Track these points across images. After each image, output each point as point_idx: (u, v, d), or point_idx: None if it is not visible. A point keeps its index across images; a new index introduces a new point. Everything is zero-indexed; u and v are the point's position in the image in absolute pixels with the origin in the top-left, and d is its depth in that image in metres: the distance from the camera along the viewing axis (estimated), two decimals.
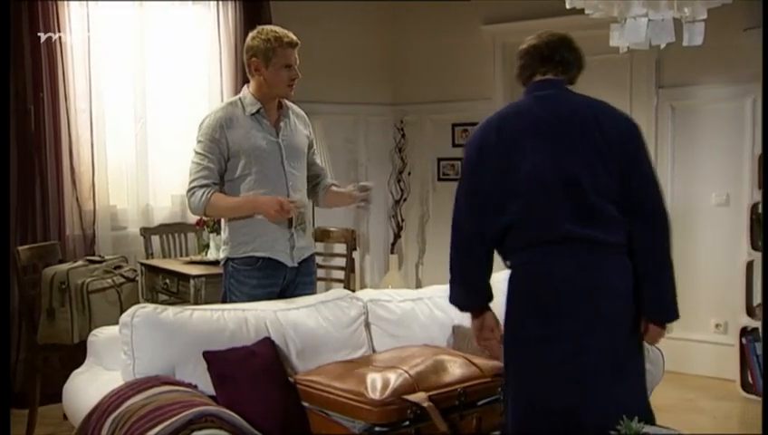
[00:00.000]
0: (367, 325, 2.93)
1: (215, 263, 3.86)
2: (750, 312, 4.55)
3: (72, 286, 3.67)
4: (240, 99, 3.11)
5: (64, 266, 3.77)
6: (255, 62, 3.03)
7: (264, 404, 2.36)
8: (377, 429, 2.31)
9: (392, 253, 6.07)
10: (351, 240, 4.93)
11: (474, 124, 5.76)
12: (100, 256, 4.06)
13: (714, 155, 4.85)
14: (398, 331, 2.95)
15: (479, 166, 2.42)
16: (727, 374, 4.59)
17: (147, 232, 4.77)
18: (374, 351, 2.90)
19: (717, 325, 4.88)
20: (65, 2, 4.41)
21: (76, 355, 3.98)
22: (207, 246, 4.33)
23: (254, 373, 2.39)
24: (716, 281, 4.86)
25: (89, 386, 2.51)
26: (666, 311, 2.42)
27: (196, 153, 3.03)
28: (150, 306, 2.52)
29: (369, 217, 6.07)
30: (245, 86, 3.15)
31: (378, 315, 2.95)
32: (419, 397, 2.35)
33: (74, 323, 3.67)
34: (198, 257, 4.33)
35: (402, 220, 6.07)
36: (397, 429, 2.32)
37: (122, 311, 3.87)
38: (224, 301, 2.99)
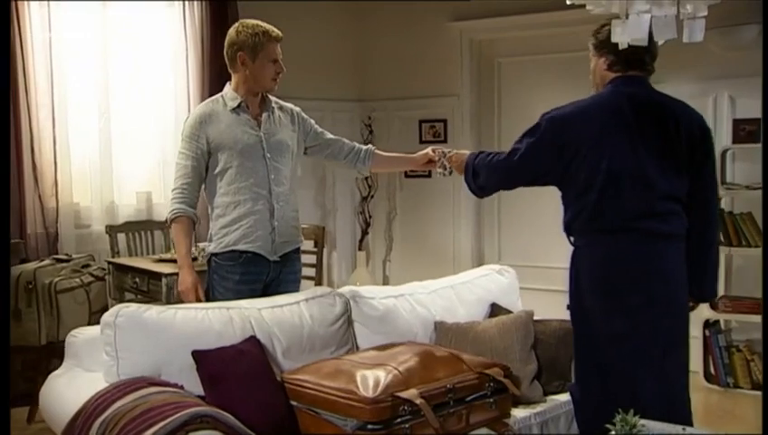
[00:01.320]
0: (350, 322, 2.91)
1: None
2: (712, 305, 4.66)
3: (39, 286, 3.57)
4: (222, 96, 3.09)
5: (30, 266, 3.66)
6: (242, 56, 3.01)
7: (254, 403, 2.32)
8: (369, 426, 2.29)
9: (360, 249, 6.05)
10: (321, 237, 4.89)
11: (441, 120, 5.85)
12: (66, 254, 3.95)
13: None
14: (382, 328, 2.94)
15: (555, 143, 2.58)
16: (691, 366, 4.68)
17: (112, 230, 4.66)
18: (357, 348, 2.88)
19: None
20: (25, 1, 4.28)
21: (42, 357, 3.89)
22: None
23: (243, 373, 2.35)
24: None
25: (68, 389, 2.43)
26: (709, 290, 2.77)
27: (179, 152, 3.05)
28: (133, 305, 2.46)
29: (336, 214, 6.05)
30: (228, 83, 3.12)
31: (361, 312, 2.93)
32: (411, 394, 2.34)
33: (42, 324, 3.56)
34: (169, 255, 4.23)
35: (370, 217, 6.06)
36: (389, 426, 2.30)
37: (91, 311, 3.83)
38: (208, 298, 2.93)
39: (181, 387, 2.31)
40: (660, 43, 2.54)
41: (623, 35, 2.14)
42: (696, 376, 4.61)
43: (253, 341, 2.54)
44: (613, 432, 1.99)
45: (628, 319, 2.50)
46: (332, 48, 5.98)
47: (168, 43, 4.98)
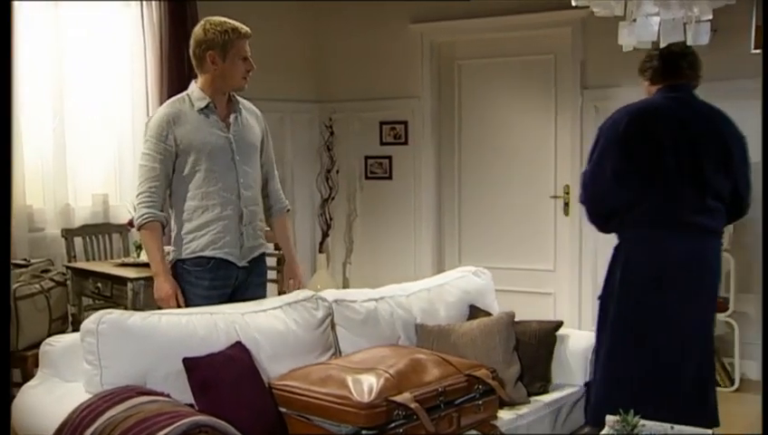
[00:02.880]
0: (332, 326, 2.87)
1: (148, 265, 3.67)
2: None
3: None
4: (188, 95, 2.98)
5: None
6: (212, 55, 2.91)
7: (245, 410, 2.27)
8: (364, 432, 2.26)
9: (320, 252, 5.99)
10: None
11: (402, 122, 5.85)
12: (24, 259, 3.78)
13: None
14: (364, 331, 2.91)
15: (619, 145, 2.84)
16: None
17: (69, 233, 4.49)
18: (340, 352, 2.85)
19: None
20: None
21: None
22: (141, 247, 4.11)
23: (234, 379, 2.29)
24: None
25: (46, 400, 2.32)
26: None
27: (143, 154, 2.90)
28: (116, 312, 2.36)
29: (295, 216, 5.97)
30: (193, 82, 3.03)
31: (343, 316, 2.89)
32: (406, 398, 2.32)
33: None
34: (131, 259, 4.11)
35: (331, 219, 6.01)
36: (384, 431, 2.28)
37: (51, 318, 3.67)
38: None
39: (167, 395, 2.23)
40: (662, 44, 2.60)
41: (629, 38, 2.17)
42: None
43: (239, 346, 2.48)
44: (613, 432, 2.01)
45: (678, 307, 2.76)
46: (292, 48, 5.92)
47: (125, 43, 4.84)
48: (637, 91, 4.96)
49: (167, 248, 3.38)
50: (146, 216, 2.84)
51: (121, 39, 4.83)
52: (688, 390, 2.70)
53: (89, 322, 2.30)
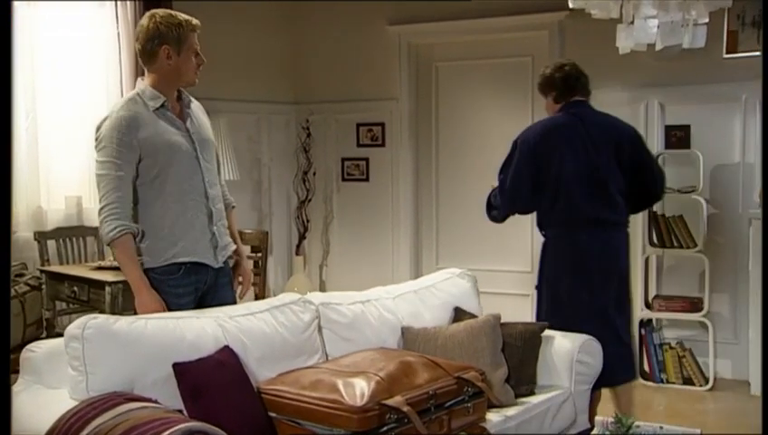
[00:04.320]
0: (319, 329, 2.84)
1: None
2: (648, 305, 4.85)
3: None
4: (138, 94, 2.78)
5: None
6: (167, 50, 2.75)
7: (236, 416, 2.23)
8: None
9: (297, 254, 5.95)
10: (265, 242, 4.78)
11: (379, 124, 5.84)
12: None
13: None
14: (351, 334, 2.89)
15: (532, 159, 3.36)
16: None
17: (42, 236, 4.40)
18: (327, 355, 2.82)
19: None
20: None
21: None
22: None
23: (224, 384, 2.25)
24: None
25: (29, 407, 2.25)
26: None
27: (102, 162, 2.69)
28: (101, 316, 2.30)
29: (272, 218, 5.93)
30: (140, 80, 2.89)
31: (329, 319, 2.87)
32: (398, 401, 2.30)
33: None
34: (108, 263, 4.03)
35: (307, 221, 5.97)
36: None
37: (26, 323, 3.59)
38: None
39: (155, 401, 2.18)
40: (657, 47, 2.63)
41: (627, 40, 2.18)
42: None
43: (227, 350, 2.44)
44: (606, 433, 2.02)
45: (599, 290, 3.33)
46: (269, 49, 5.87)
47: (99, 43, 4.77)
48: (614, 96, 5.07)
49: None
50: (119, 228, 2.64)
51: (96, 38, 4.77)
52: (612, 351, 3.24)
53: (73, 327, 2.24)
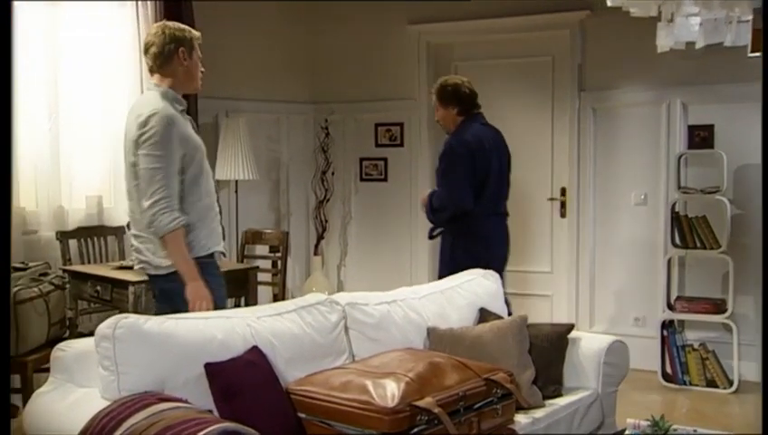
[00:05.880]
0: (345, 330, 2.83)
1: None
2: (670, 306, 4.81)
3: None
4: (164, 93, 2.91)
5: None
6: (183, 52, 2.93)
7: (267, 416, 2.22)
8: None
9: (315, 254, 5.94)
10: (285, 242, 4.77)
11: (398, 124, 5.82)
12: (22, 262, 3.69)
13: (632, 156, 5.09)
14: (377, 334, 2.87)
15: (471, 161, 3.92)
16: (647, 365, 4.80)
17: (64, 236, 4.40)
18: (353, 356, 2.80)
19: (636, 319, 5.11)
20: None
21: None
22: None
23: (255, 384, 2.24)
24: (635, 277, 5.10)
25: (61, 406, 2.25)
26: None
27: (155, 156, 2.77)
28: (132, 316, 2.30)
29: (290, 218, 5.93)
30: (157, 79, 2.95)
31: (356, 319, 2.85)
32: (429, 403, 2.29)
33: None
34: (130, 262, 4.02)
35: (326, 221, 5.96)
36: None
37: (50, 322, 3.59)
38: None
39: (186, 401, 2.17)
40: (697, 45, 2.58)
41: (667, 39, 2.15)
42: (653, 375, 4.75)
43: (256, 351, 2.43)
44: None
45: (500, 265, 3.99)
46: (288, 49, 5.87)
47: (121, 44, 4.77)
48: (636, 95, 5.03)
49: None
50: (177, 220, 2.76)
51: (117, 39, 4.77)
52: None
53: (104, 326, 2.24)
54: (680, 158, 4.82)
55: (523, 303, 5.30)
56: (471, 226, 3.94)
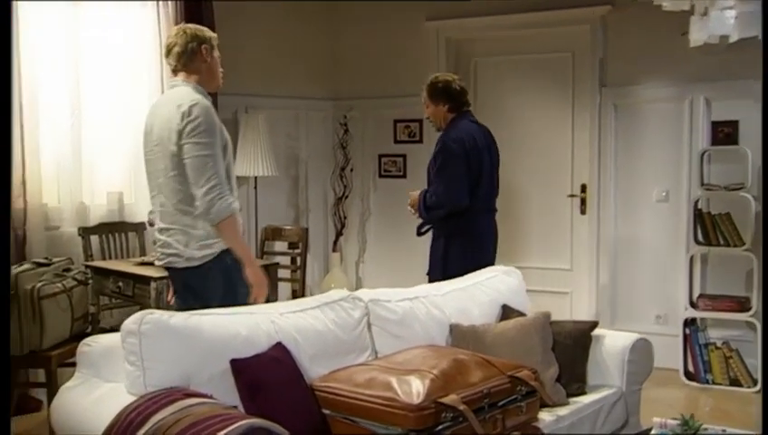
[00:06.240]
0: (368, 326, 2.82)
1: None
2: (693, 304, 4.76)
3: (21, 292, 3.34)
4: (195, 87, 2.97)
5: (11, 270, 3.41)
6: (206, 49, 3.01)
7: (292, 412, 2.22)
8: (412, 434, 2.21)
9: (334, 251, 5.94)
10: (305, 239, 4.77)
11: (416, 120, 5.79)
12: (46, 257, 3.72)
13: (654, 153, 5.04)
14: (400, 331, 2.86)
15: (466, 158, 3.91)
16: (669, 363, 4.75)
17: (86, 232, 4.43)
18: (376, 352, 2.80)
19: (658, 316, 5.07)
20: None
21: (20, 368, 3.66)
22: None
23: (280, 381, 2.24)
24: (657, 274, 5.06)
25: (86, 400, 2.26)
26: None
27: (205, 144, 2.81)
28: (157, 312, 2.31)
29: (309, 214, 5.93)
30: (183, 77, 3.00)
31: (379, 316, 2.84)
32: (454, 400, 2.28)
33: (24, 333, 3.33)
34: (151, 258, 4.04)
35: (344, 217, 5.96)
36: (431, 433, 2.23)
37: (74, 317, 3.61)
38: (231, 296, 2.79)
39: (210, 397, 2.18)
40: (731, 39, 2.54)
41: (701, 33, 2.12)
42: (674, 373, 4.71)
43: (280, 347, 2.43)
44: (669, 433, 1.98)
45: (491, 260, 4.03)
46: (307, 46, 5.87)
47: (141, 42, 4.79)
48: (658, 91, 4.98)
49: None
50: (233, 204, 2.83)
51: (138, 38, 4.79)
52: None
53: (130, 322, 2.25)
54: (703, 154, 4.77)
55: (541, 300, 5.26)
56: (466, 223, 3.92)
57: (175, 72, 3.01)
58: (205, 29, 3.08)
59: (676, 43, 4.85)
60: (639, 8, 4.98)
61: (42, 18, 4.33)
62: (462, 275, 3.69)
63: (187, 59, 2.96)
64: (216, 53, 3.08)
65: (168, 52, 3.00)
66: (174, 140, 2.84)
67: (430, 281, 3.98)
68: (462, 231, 3.93)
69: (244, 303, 2.77)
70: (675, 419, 2.44)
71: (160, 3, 4.80)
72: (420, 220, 4.12)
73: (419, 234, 4.21)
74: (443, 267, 3.88)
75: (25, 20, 4.20)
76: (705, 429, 1.97)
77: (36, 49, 4.28)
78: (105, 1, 4.58)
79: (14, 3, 4.11)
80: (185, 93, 2.93)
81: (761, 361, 4.43)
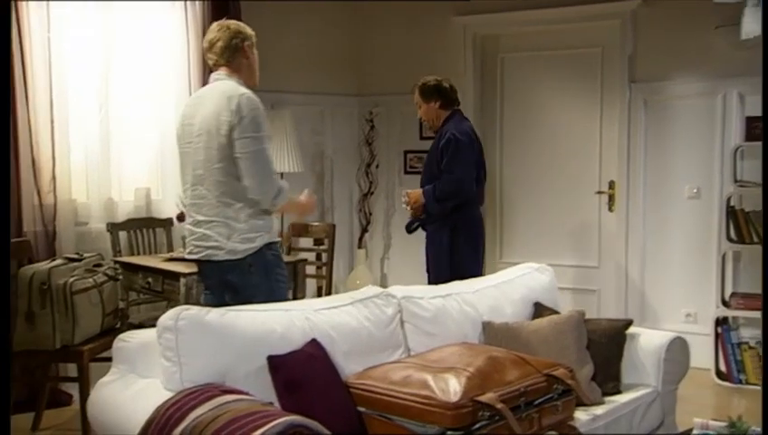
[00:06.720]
0: (401, 323, 2.80)
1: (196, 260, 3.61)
2: (725, 302, 4.69)
3: (54, 287, 3.35)
4: (239, 81, 3.01)
5: (43, 265, 3.44)
6: (249, 46, 3.05)
7: (329, 410, 2.20)
8: (449, 433, 2.19)
9: (359, 247, 5.93)
10: (332, 235, 4.76)
11: None
12: (77, 253, 3.74)
13: (685, 149, 4.96)
14: (433, 328, 2.84)
15: (473, 151, 4.12)
16: (699, 363, 4.66)
17: (114, 228, 4.45)
18: (409, 350, 2.78)
19: (688, 315, 5.00)
20: (23, 2, 4.06)
21: (52, 362, 3.68)
22: None
23: (317, 378, 2.23)
24: (687, 272, 4.99)
25: (122, 395, 2.26)
26: None
27: (262, 137, 2.89)
28: (194, 308, 2.30)
29: (334, 211, 5.92)
30: (226, 74, 2.99)
31: (412, 313, 2.82)
32: (491, 398, 2.25)
33: (56, 328, 3.35)
34: (179, 254, 4.05)
35: (370, 214, 5.94)
36: (469, 432, 2.20)
37: (104, 312, 3.63)
38: (273, 293, 2.79)
39: (247, 393, 2.16)
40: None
41: (754, 24, 2.07)
42: (707, 373, 4.64)
43: (315, 344, 2.41)
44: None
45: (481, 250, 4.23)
46: (333, 42, 5.85)
47: (169, 41, 4.81)
48: (690, 86, 4.90)
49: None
50: (286, 185, 2.99)
51: (166, 37, 4.80)
52: None
53: (166, 318, 2.24)
54: (737, 150, 4.70)
55: (569, 298, 5.23)
56: (470, 214, 4.09)
57: (216, 66, 3.03)
58: (246, 26, 3.10)
59: (708, 39, 4.80)
60: (671, 2, 4.91)
61: (72, 17, 4.35)
62: (468, 264, 4.01)
63: (230, 55, 2.98)
64: (256, 51, 3.12)
65: (211, 46, 3.01)
66: (224, 133, 2.84)
67: (433, 277, 4.12)
68: (467, 222, 4.07)
69: (282, 299, 2.77)
70: (715, 419, 2.40)
71: (188, 2, 4.81)
72: (409, 219, 4.37)
73: (410, 231, 4.35)
74: (449, 259, 4.00)
75: (56, 18, 4.23)
76: (755, 430, 1.92)
77: (66, 47, 4.30)
78: (134, 0, 4.60)
79: (46, 3, 4.14)
80: (232, 87, 2.94)
81: (762, 361, 4.36)
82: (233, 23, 3.09)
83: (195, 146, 2.95)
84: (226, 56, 2.98)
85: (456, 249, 4.04)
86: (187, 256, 3.15)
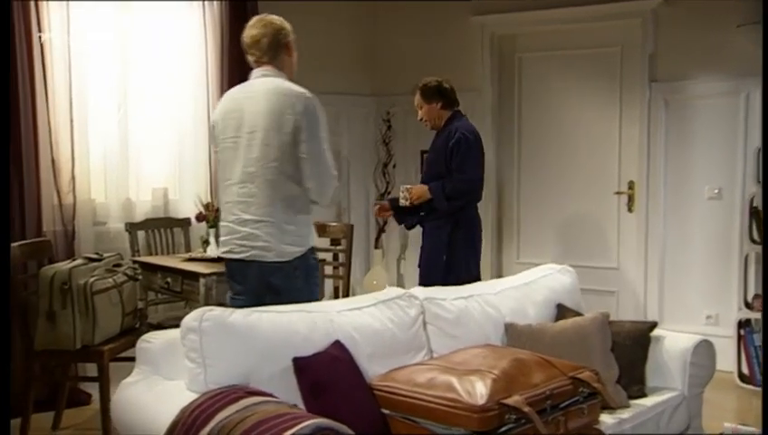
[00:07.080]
0: (423, 325, 2.77)
1: (217, 260, 3.60)
2: (747, 304, 4.63)
3: (75, 287, 3.35)
4: (287, 79, 2.98)
5: (64, 265, 3.44)
6: (292, 42, 3.02)
7: (353, 412, 2.19)
8: None
9: (376, 247, 5.91)
10: (350, 236, 4.74)
11: None
12: (97, 253, 3.74)
13: (706, 149, 4.91)
14: (456, 330, 2.81)
15: (482, 151, 4.18)
16: (721, 366, 4.58)
17: (133, 227, 4.45)
18: (432, 352, 2.75)
19: (709, 317, 4.95)
20: (44, 2, 4.07)
21: (72, 362, 3.69)
22: (207, 242, 4.06)
23: (341, 380, 2.21)
24: (708, 273, 4.93)
25: (146, 397, 2.26)
26: None
27: (324, 137, 2.94)
28: (217, 309, 2.28)
29: (350, 211, 5.90)
30: (273, 72, 2.93)
31: (435, 314, 2.80)
32: (518, 401, 2.22)
33: (77, 327, 3.35)
34: (198, 254, 4.05)
35: None
36: None
37: (124, 312, 3.62)
38: (308, 299, 2.77)
39: (272, 395, 2.15)
40: None
41: None
42: (729, 376, 4.59)
43: (338, 345, 2.39)
44: None
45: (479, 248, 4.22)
46: (349, 41, 5.84)
47: (187, 41, 4.82)
48: (712, 85, 4.85)
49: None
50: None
51: (184, 37, 4.81)
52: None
53: (190, 319, 2.23)
54: (760, 150, 4.64)
55: (587, 299, 5.16)
56: (471, 213, 4.12)
57: (258, 63, 2.93)
58: (286, 22, 3.04)
59: (730, 37, 4.74)
60: (692, 0, 4.86)
61: (91, 17, 4.36)
62: (465, 261, 4.05)
63: (274, 52, 2.92)
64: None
65: (255, 43, 2.92)
66: (288, 131, 2.77)
67: (425, 272, 4.12)
68: (467, 220, 4.09)
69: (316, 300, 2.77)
70: (744, 424, 2.36)
71: (206, 2, 4.81)
72: (403, 217, 4.34)
73: (409, 227, 4.38)
74: (448, 254, 4.02)
75: (75, 18, 4.24)
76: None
77: (85, 48, 4.31)
78: (153, 0, 4.60)
79: (66, 3, 4.15)
80: (288, 86, 2.88)
81: (762, 361, 4.31)
82: (276, 18, 3.00)
83: (246, 142, 2.83)
84: (271, 53, 2.91)
85: (455, 245, 4.05)
86: (224, 256, 2.94)
